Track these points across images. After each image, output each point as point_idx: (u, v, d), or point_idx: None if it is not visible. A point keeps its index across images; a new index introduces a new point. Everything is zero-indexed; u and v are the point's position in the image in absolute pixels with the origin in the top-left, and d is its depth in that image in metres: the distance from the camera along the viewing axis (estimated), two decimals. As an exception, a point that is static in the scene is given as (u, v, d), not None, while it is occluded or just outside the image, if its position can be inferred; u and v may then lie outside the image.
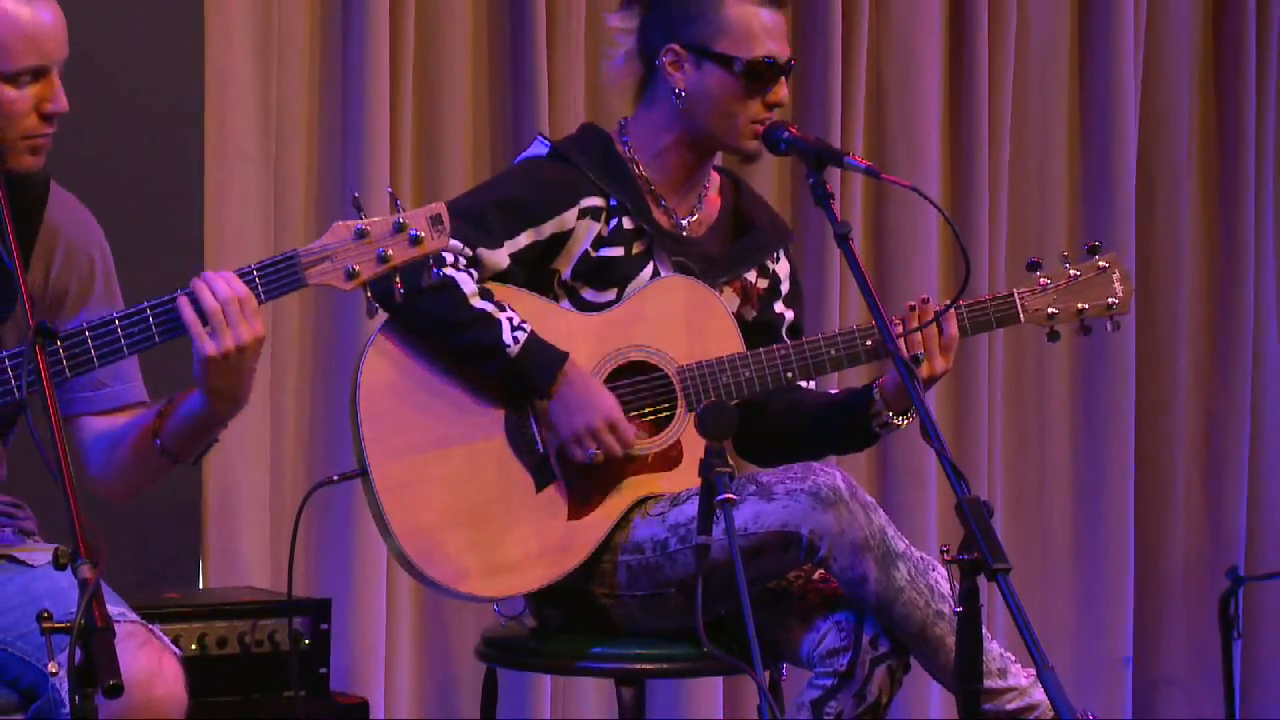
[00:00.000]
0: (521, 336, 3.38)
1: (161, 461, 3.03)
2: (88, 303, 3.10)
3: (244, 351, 2.87)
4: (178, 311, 2.87)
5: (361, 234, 2.91)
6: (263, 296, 2.90)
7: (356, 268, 2.91)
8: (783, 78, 3.49)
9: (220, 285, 2.86)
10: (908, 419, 3.51)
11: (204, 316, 2.85)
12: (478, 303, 3.37)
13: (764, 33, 3.47)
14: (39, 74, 2.94)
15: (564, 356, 3.40)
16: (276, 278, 2.91)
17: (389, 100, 4.32)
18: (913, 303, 3.49)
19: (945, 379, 4.85)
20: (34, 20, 2.93)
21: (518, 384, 3.40)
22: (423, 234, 2.91)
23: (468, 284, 3.37)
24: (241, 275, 2.90)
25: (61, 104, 2.96)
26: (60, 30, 2.97)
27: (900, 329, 3.46)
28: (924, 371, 3.47)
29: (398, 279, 2.93)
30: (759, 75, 3.47)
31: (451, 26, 4.41)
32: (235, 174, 4.20)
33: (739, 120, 3.48)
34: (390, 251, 2.91)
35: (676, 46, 3.50)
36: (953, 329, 3.51)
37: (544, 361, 3.39)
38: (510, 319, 3.38)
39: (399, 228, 2.91)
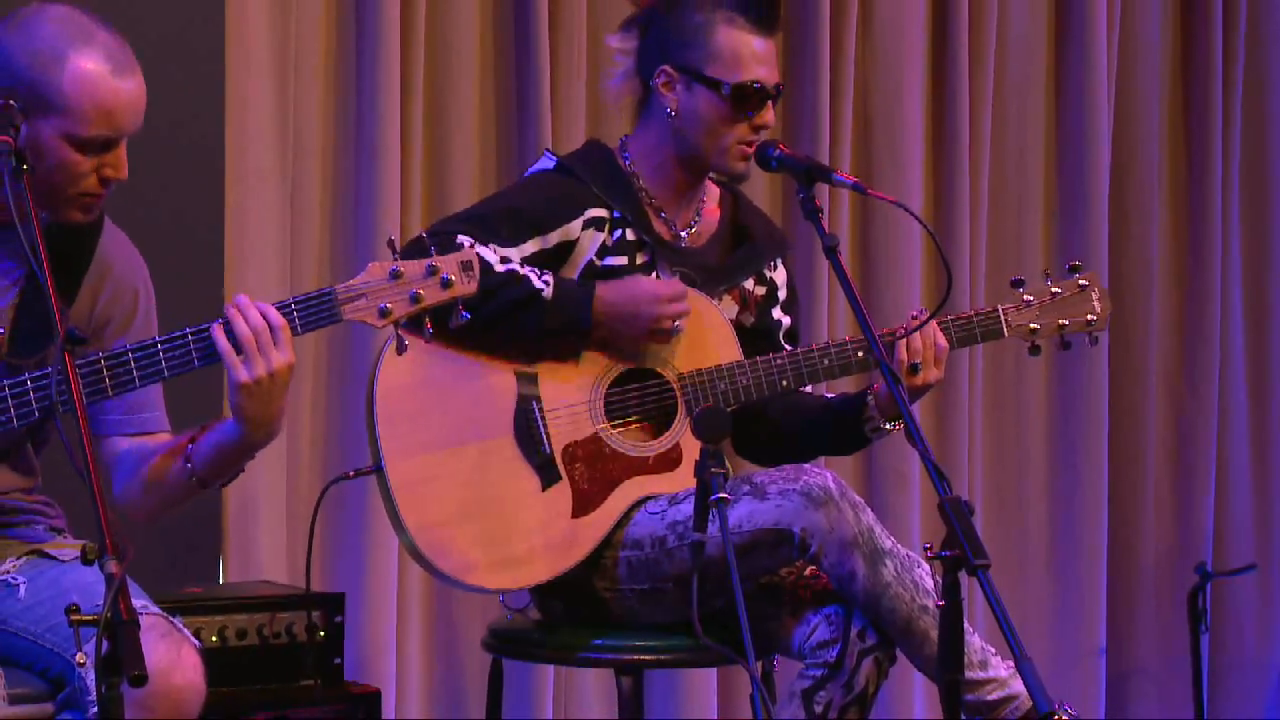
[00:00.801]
0: (550, 279, 3.38)
1: (190, 486, 3.02)
2: (127, 333, 3.09)
3: (275, 378, 2.87)
4: (212, 339, 2.86)
5: (396, 275, 2.93)
6: (299, 329, 2.91)
7: (389, 306, 2.92)
8: (769, 102, 3.48)
9: (253, 314, 2.86)
10: (898, 424, 3.50)
11: (237, 344, 2.84)
12: (502, 266, 3.37)
13: (752, 59, 3.46)
14: (108, 144, 2.92)
15: (591, 286, 3.39)
16: (313, 312, 2.92)
17: (399, 122, 4.31)
18: (914, 313, 3.49)
19: (929, 386, 4.89)
20: (113, 92, 2.90)
21: (561, 321, 3.38)
22: (453, 278, 2.94)
23: (489, 254, 3.36)
24: (279, 308, 2.90)
25: (122, 174, 2.94)
26: (138, 102, 2.93)
27: (892, 338, 3.46)
28: (918, 380, 3.46)
29: (428, 319, 2.94)
30: (746, 98, 3.46)
31: (459, 50, 4.41)
32: (254, 192, 4.19)
33: (726, 141, 3.48)
34: (422, 292, 2.93)
35: (669, 68, 3.49)
36: (943, 340, 3.50)
37: (577, 297, 3.38)
38: (534, 270, 3.37)
39: (431, 271, 2.93)
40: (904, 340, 3.45)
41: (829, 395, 3.66)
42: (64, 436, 3.02)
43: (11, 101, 2.85)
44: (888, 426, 3.51)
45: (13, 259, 3.01)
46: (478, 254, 3.30)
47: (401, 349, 2.97)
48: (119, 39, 2.94)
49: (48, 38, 2.90)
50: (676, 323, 3.41)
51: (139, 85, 2.94)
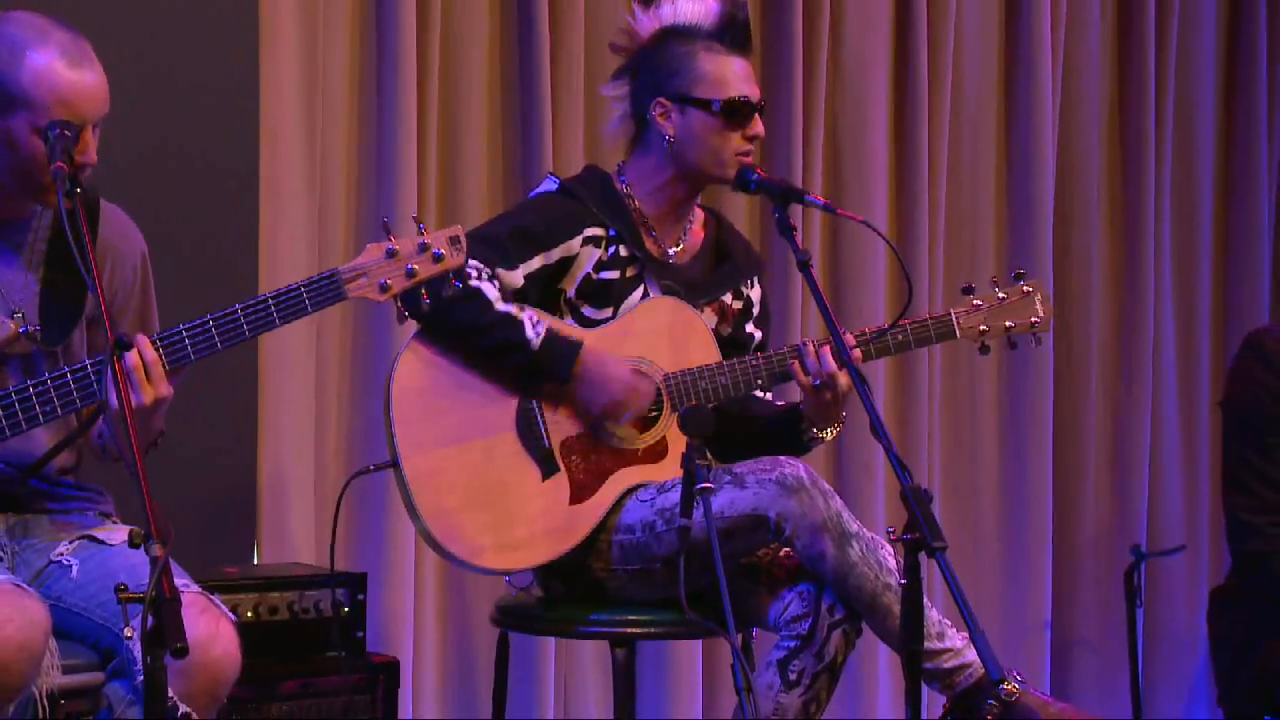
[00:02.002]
0: (542, 330, 3.36)
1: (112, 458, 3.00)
2: (129, 304, 3.08)
3: (143, 408, 2.80)
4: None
5: (392, 253, 2.92)
6: (309, 308, 2.90)
7: (388, 282, 2.91)
8: (756, 114, 3.48)
9: (130, 355, 2.78)
10: (832, 432, 3.49)
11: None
12: (501, 306, 3.36)
13: (735, 77, 3.47)
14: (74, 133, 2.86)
15: (579, 344, 3.38)
16: (321, 292, 2.90)
17: (416, 146, 4.30)
18: (799, 343, 3.46)
19: (892, 386, 4.89)
20: (70, 83, 2.85)
21: (541, 373, 3.38)
22: (444, 252, 2.93)
23: (490, 291, 3.36)
24: (289, 291, 2.88)
25: (89, 158, 2.89)
26: (97, 92, 2.88)
27: (810, 359, 3.42)
28: (827, 396, 3.42)
29: (424, 291, 2.93)
30: (735, 111, 3.46)
31: (470, 82, 4.40)
32: (285, 209, 4.18)
33: (724, 154, 3.47)
34: (417, 268, 2.92)
35: (663, 99, 3.49)
36: (856, 352, 3.45)
37: (563, 351, 3.37)
38: (530, 317, 3.37)
39: (424, 248, 2.92)
40: (797, 368, 3.41)
41: (778, 403, 3.64)
42: (112, 430, 3.02)
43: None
44: (822, 435, 3.50)
45: (24, 254, 3.00)
46: (481, 288, 3.31)
47: (402, 319, 2.96)
48: (74, 35, 2.90)
49: (7, 40, 2.87)
50: (628, 417, 3.39)
51: (97, 75, 2.89)
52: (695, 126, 3.48)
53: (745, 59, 3.50)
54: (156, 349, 2.82)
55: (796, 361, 3.42)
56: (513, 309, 3.36)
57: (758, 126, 3.49)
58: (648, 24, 3.52)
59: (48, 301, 2.97)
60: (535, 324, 3.37)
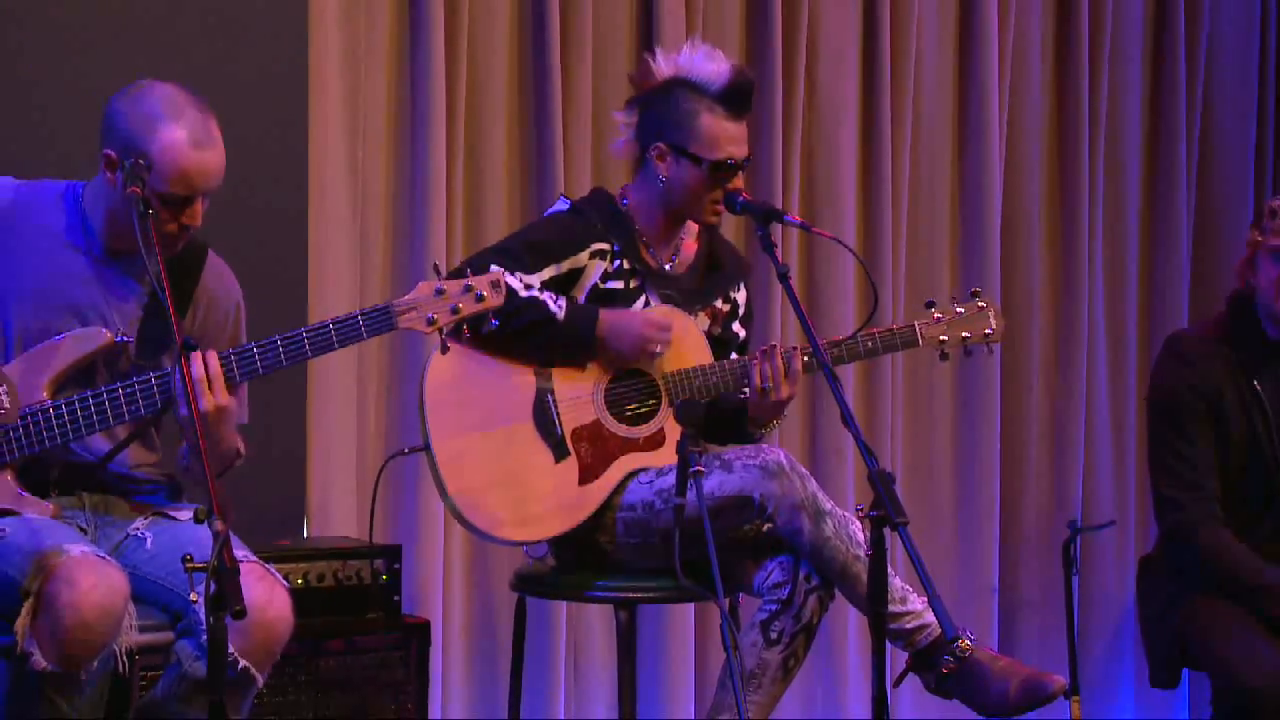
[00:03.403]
0: (563, 303, 3.36)
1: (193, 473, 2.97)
2: (220, 339, 3.08)
3: (205, 417, 2.78)
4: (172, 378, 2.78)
5: (440, 292, 2.94)
6: (365, 335, 2.91)
7: (435, 316, 2.93)
8: (739, 172, 3.46)
9: (197, 365, 2.79)
10: (765, 431, 3.48)
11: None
12: (524, 292, 3.36)
13: (727, 140, 3.43)
14: (187, 200, 2.88)
15: (596, 311, 3.38)
16: (375, 321, 2.94)
17: (445, 174, 4.30)
18: (764, 348, 3.42)
19: (860, 381, 4.88)
20: (193, 161, 2.85)
21: (571, 338, 3.37)
22: (485, 294, 2.97)
23: (515, 283, 3.35)
24: (349, 319, 2.90)
25: (196, 223, 2.90)
26: (214, 171, 2.88)
27: (766, 365, 3.39)
28: (770, 399, 3.39)
29: (465, 326, 2.95)
30: (720, 170, 3.43)
31: (491, 117, 4.40)
32: (331, 235, 4.17)
33: (702, 202, 3.46)
34: (461, 306, 2.95)
35: (662, 144, 3.47)
36: (796, 365, 3.41)
37: (584, 317, 3.37)
38: (550, 296, 3.37)
39: (468, 289, 2.95)
40: (756, 368, 3.40)
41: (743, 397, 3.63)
42: (183, 424, 3.01)
43: (141, 160, 2.83)
44: (760, 433, 3.50)
45: (138, 282, 3.00)
46: (506, 280, 3.31)
47: (444, 350, 2.99)
48: (205, 115, 2.89)
49: (147, 109, 2.86)
50: (659, 347, 3.40)
51: (216, 155, 2.88)
52: (685, 175, 3.46)
53: (741, 122, 3.46)
54: (225, 365, 2.83)
55: (757, 366, 3.40)
56: (534, 291, 3.37)
57: (737, 183, 3.45)
58: (664, 68, 3.49)
59: (146, 324, 2.98)
60: (555, 299, 3.37)
